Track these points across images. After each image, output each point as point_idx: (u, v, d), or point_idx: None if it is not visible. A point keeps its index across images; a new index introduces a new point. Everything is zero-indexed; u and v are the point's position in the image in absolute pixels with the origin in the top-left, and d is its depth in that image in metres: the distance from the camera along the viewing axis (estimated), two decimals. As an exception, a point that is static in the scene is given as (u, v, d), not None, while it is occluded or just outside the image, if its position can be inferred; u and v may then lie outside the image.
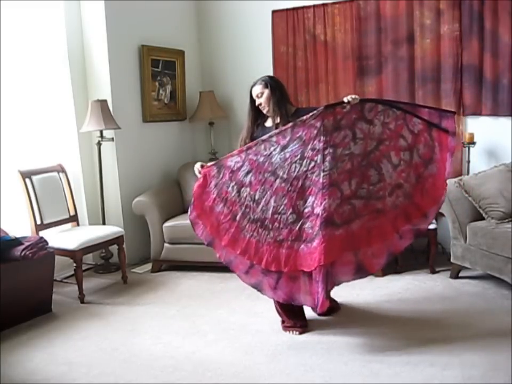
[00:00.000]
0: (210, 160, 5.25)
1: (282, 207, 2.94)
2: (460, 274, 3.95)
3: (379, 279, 4.01)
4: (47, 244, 3.60)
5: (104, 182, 4.51)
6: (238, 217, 3.02)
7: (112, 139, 4.46)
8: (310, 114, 2.87)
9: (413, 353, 2.82)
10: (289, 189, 2.92)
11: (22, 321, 3.44)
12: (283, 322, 3.26)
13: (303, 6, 4.85)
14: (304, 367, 2.75)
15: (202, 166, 3.13)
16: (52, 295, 3.70)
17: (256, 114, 3.21)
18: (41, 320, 3.51)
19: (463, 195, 3.80)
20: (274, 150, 2.94)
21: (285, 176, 2.93)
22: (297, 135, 2.89)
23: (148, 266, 4.60)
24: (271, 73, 5.00)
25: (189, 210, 3.12)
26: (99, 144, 4.41)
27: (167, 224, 4.44)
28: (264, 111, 3.16)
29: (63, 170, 4.27)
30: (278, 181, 2.94)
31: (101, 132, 4.35)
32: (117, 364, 2.89)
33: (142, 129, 4.84)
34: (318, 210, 2.86)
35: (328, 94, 4.82)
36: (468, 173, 4.28)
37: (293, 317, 3.22)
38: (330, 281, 2.95)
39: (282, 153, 2.92)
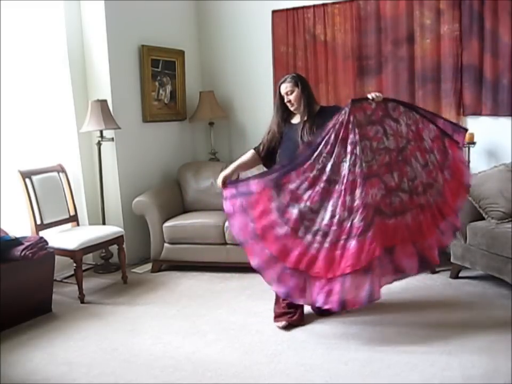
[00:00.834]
0: (211, 160, 5.28)
1: (337, 209, 2.94)
2: (460, 274, 3.95)
3: (379, 279, 4.01)
4: (47, 244, 3.60)
5: (104, 182, 4.51)
6: (301, 234, 2.98)
7: (112, 139, 4.46)
8: (342, 112, 2.93)
9: (413, 353, 2.82)
10: (341, 188, 2.94)
11: (22, 321, 3.44)
12: (275, 313, 3.34)
13: (303, 6, 4.85)
14: (304, 367, 2.75)
15: (225, 182, 3.16)
16: (52, 295, 3.70)
17: (284, 111, 3.24)
18: (41, 320, 3.51)
19: (463, 195, 3.80)
20: (326, 159, 2.96)
21: (337, 178, 2.95)
22: (339, 137, 2.93)
23: (148, 266, 4.60)
24: (271, 73, 5.01)
25: (250, 259, 3.05)
26: (99, 144, 4.41)
27: (167, 224, 4.44)
28: (292, 109, 3.20)
29: (63, 170, 4.27)
30: (332, 185, 2.96)
31: (101, 132, 4.35)
32: (117, 364, 2.89)
33: (142, 129, 4.84)
34: (366, 199, 2.89)
35: (328, 94, 4.82)
36: (468, 173, 4.28)
37: (290, 308, 3.28)
38: (393, 274, 3.08)
39: (331, 159, 2.95)
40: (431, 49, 4.43)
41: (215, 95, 5.21)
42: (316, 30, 4.82)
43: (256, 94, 5.17)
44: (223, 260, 4.36)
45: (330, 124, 2.95)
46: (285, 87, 3.17)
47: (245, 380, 2.66)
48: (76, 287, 3.84)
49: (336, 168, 2.93)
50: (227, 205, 3.11)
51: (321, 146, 2.96)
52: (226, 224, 4.29)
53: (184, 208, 4.82)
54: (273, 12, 4.98)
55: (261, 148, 3.29)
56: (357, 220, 2.88)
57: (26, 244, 3.45)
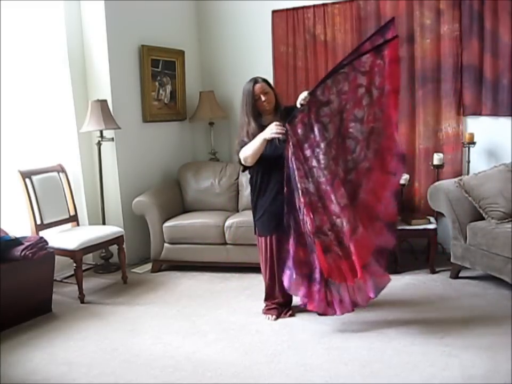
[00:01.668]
0: (211, 160, 5.27)
1: (327, 222, 3.07)
2: (460, 274, 3.95)
3: (379, 279, 4.01)
4: (47, 244, 3.60)
5: (104, 182, 4.51)
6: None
7: (112, 139, 4.45)
8: (289, 140, 3.01)
9: (413, 353, 2.82)
10: (321, 202, 3.06)
11: (22, 321, 3.44)
12: (266, 305, 3.44)
13: (303, 6, 4.85)
14: (304, 367, 2.75)
15: None
16: (52, 295, 3.70)
17: (257, 113, 3.23)
18: (41, 320, 3.51)
19: (463, 195, 3.80)
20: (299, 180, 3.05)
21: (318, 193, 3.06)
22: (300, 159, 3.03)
23: (148, 266, 4.60)
24: (271, 73, 5.01)
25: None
26: (99, 144, 4.41)
27: (167, 224, 4.44)
28: (267, 108, 3.22)
29: (63, 170, 4.27)
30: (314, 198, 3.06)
31: (101, 132, 4.35)
32: (117, 364, 2.89)
33: (142, 129, 4.83)
34: (343, 202, 3.02)
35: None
36: (468, 173, 4.28)
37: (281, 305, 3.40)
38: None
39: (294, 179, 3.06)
40: (431, 49, 4.43)
41: (215, 95, 5.21)
42: (316, 30, 4.82)
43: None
44: (223, 260, 4.36)
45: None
46: (261, 86, 3.19)
47: (245, 380, 2.66)
48: (76, 287, 3.84)
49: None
50: None
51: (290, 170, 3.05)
52: (227, 224, 4.30)
53: (184, 208, 4.82)
54: (273, 11, 4.98)
55: None
56: (344, 225, 3.00)
57: (26, 243, 3.45)
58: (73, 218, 4.29)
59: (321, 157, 3.02)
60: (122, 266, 4.22)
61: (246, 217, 4.27)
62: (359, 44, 3.23)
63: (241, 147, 3.21)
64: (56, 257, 3.70)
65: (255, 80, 3.23)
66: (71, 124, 4.45)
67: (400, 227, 4.17)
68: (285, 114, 3.21)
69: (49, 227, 4.08)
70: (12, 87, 3.98)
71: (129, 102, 4.69)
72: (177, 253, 4.44)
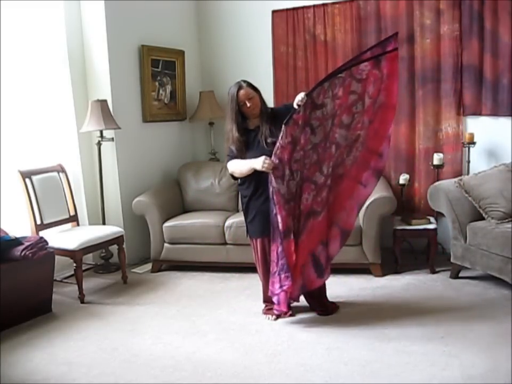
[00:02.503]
0: (211, 160, 5.27)
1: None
2: (460, 274, 3.94)
3: (379, 279, 4.01)
4: (47, 244, 3.60)
5: (104, 182, 4.51)
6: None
7: (112, 139, 4.45)
8: (279, 140, 3.00)
9: (413, 353, 2.82)
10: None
11: (22, 321, 3.44)
12: (266, 306, 3.44)
13: (303, 6, 4.85)
14: (304, 367, 2.75)
15: None
16: (52, 295, 3.70)
17: (241, 119, 3.24)
18: (41, 320, 3.51)
19: (463, 195, 3.80)
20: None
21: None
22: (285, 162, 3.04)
23: (148, 266, 4.60)
24: (271, 73, 5.01)
25: None
26: (99, 144, 4.41)
27: (167, 224, 4.44)
28: (253, 113, 3.23)
29: (63, 170, 4.27)
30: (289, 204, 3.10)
31: (101, 132, 4.35)
32: (117, 364, 2.89)
33: (142, 129, 4.83)
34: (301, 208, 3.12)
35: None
36: (468, 173, 4.28)
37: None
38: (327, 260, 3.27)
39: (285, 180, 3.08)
40: (431, 49, 4.43)
41: (215, 95, 5.21)
42: (316, 30, 4.82)
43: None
44: (223, 260, 4.36)
45: (275, 154, 3.01)
46: (245, 92, 3.18)
47: (245, 380, 2.66)
48: (76, 287, 3.84)
49: (288, 188, 3.07)
50: None
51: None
52: (227, 224, 4.30)
53: (184, 208, 4.82)
54: (273, 11, 4.98)
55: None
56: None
57: (26, 243, 3.45)
58: (73, 218, 4.29)
59: (306, 160, 3.07)
60: (122, 266, 4.22)
61: (246, 217, 4.28)
62: (360, 53, 3.28)
63: (229, 156, 3.25)
64: (56, 257, 3.70)
65: (239, 86, 3.20)
66: (71, 124, 4.45)
67: (400, 227, 4.19)
68: (272, 116, 3.22)
69: (49, 227, 4.08)
70: (12, 87, 3.98)
71: (129, 102, 4.69)
72: (177, 253, 4.44)
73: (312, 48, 4.86)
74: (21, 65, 4.04)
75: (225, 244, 4.32)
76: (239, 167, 3.21)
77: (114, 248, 4.27)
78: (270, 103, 4.28)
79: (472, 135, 4.28)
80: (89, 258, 4.49)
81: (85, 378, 2.76)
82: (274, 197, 3.02)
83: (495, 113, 4.29)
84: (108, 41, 4.41)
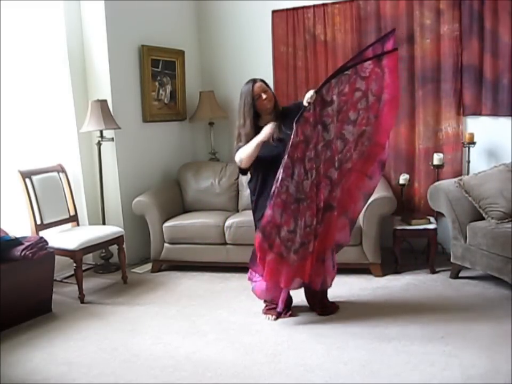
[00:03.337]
0: (211, 160, 5.27)
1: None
2: (460, 274, 3.94)
3: (379, 279, 4.01)
4: (47, 244, 3.60)
5: (104, 182, 4.51)
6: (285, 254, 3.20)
7: (112, 139, 4.45)
8: (291, 139, 3.00)
9: (413, 353, 2.82)
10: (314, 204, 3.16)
11: (22, 321, 3.44)
12: (266, 305, 3.45)
13: (303, 6, 4.85)
14: (304, 367, 2.75)
15: None
16: (52, 295, 3.70)
17: (255, 114, 3.22)
18: (41, 320, 3.51)
19: (463, 195, 3.80)
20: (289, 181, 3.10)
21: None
22: (295, 157, 3.05)
23: (148, 266, 4.60)
24: (271, 73, 5.01)
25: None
26: (99, 144, 4.41)
27: (167, 224, 4.44)
28: (268, 106, 3.22)
29: (63, 170, 4.27)
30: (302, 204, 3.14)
31: (101, 132, 4.35)
32: (117, 364, 2.89)
33: (142, 129, 4.83)
34: (321, 204, 3.13)
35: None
36: (468, 173, 4.28)
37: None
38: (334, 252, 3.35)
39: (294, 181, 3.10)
40: (431, 49, 4.43)
41: (215, 95, 5.21)
42: (316, 30, 4.82)
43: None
44: (223, 259, 4.36)
45: (287, 153, 3.02)
46: (260, 85, 3.19)
47: (245, 380, 2.66)
48: (76, 287, 3.84)
49: (301, 187, 3.09)
50: None
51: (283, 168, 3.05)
52: (227, 224, 4.30)
53: (184, 208, 4.82)
54: (273, 11, 4.97)
55: None
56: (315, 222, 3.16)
57: (26, 243, 3.44)
58: (73, 218, 4.29)
59: (316, 158, 3.08)
60: (122, 266, 4.22)
61: (246, 217, 4.27)
62: (361, 50, 3.29)
63: (237, 150, 3.22)
64: (56, 257, 3.70)
65: (253, 80, 3.22)
66: (71, 124, 4.45)
67: (400, 227, 4.19)
68: (284, 114, 3.21)
69: (49, 227, 4.08)
70: (12, 87, 3.97)
71: (129, 102, 4.69)
72: (177, 253, 4.44)
73: (312, 48, 4.86)
74: (21, 65, 4.04)
75: (225, 244, 4.32)
76: (246, 149, 3.15)
77: (114, 248, 4.27)
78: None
79: (472, 135, 4.28)
80: (89, 258, 4.49)
81: (85, 378, 2.76)
82: (273, 198, 3.03)
83: (495, 113, 4.29)
84: (108, 41, 4.41)
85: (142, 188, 4.70)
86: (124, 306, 3.74)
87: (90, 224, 4.54)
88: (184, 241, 4.39)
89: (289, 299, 3.46)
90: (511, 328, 3.01)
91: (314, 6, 4.80)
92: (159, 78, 4.94)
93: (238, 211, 4.69)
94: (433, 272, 4.10)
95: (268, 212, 3.04)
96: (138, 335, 3.25)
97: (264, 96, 3.17)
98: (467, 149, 4.35)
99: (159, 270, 4.52)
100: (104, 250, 4.48)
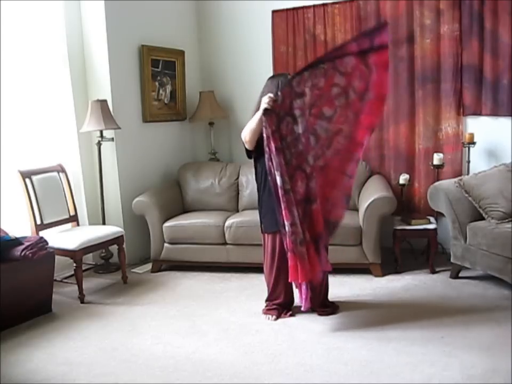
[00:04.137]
0: (211, 160, 5.28)
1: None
2: (460, 274, 3.94)
3: (379, 279, 4.01)
4: (47, 243, 3.60)
5: (104, 182, 4.51)
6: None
7: (112, 139, 4.45)
8: (264, 131, 3.02)
9: (413, 353, 2.82)
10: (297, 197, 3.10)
11: (22, 321, 3.44)
12: (266, 305, 3.44)
13: (303, 6, 4.85)
14: (304, 367, 2.75)
15: None
16: (52, 295, 3.70)
17: None
18: (41, 320, 3.51)
19: (463, 195, 3.80)
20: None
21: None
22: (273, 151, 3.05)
23: (148, 266, 4.60)
24: (271, 73, 4.98)
25: None
26: (99, 144, 4.41)
27: (167, 224, 4.44)
28: None
29: (63, 170, 4.27)
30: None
31: (101, 132, 4.35)
32: (117, 364, 2.89)
33: (142, 129, 4.83)
34: (298, 196, 3.07)
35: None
36: (468, 173, 4.28)
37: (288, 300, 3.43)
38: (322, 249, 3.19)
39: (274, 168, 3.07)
40: (431, 49, 4.43)
41: (215, 95, 5.21)
42: (315, 30, 4.82)
43: (256, 94, 4.99)
44: (223, 259, 4.36)
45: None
46: None
47: (245, 380, 2.66)
48: (76, 287, 3.84)
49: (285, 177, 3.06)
50: None
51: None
52: (227, 224, 4.30)
53: (184, 208, 4.82)
54: (273, 11, 4.98)
55: None
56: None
57: (26, 243, 3.45)
58: (73, 218, 4.29)
59: (286, 151, 3.04)
60: (122, 266, 4.22)
61: (246, 217, 4.28)
62: (344, 43, 3.20)
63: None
64: (56, 257, 3.70)
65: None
66: (71, 124, 4.45)
67: (400, 227, 4.18)
68: None
69: (49, 227, 4.08)
70: (12, 87, 3.98)
71: (129, 102, 4.69)
72: (177, 253, 4.44)
73: (312, 48, 4.86)
74: (21, 65, 4.04)
75: (225, 244, 4.32)
76: (250, 123, 3.18)
77: (114, 248, 4.27)
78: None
79: (472, 135, 4.28)
80: (89, 258, 4.49)
81: (85, 378, 2.76)
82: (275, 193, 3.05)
83: (495, 113, 4.29)
84: (108, 41, 4.41)
85: (142, 187, 4.70)
86: (124, 306, 3.74)
87: (90, 224, 4.54)
88: (184, 241, 4.39)
89: (290, 299, 3.46)
90: (511, 328, 3.01)
91: (314, 6, 4.80)
92: (159, 78, 4.94)
93: (238, 211, 4.69)
94: (433, 272, 4.10)
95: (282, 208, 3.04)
96: (138, 335, 3.25)
97: None
98: (467, 149, 4.35)
99: (159, 270, 4.52)
100: (104, 250, 4.48)
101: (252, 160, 3.38)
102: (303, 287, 3.15)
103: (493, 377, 2.55)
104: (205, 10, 5.36)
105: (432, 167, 4.37)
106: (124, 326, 3.40)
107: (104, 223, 4.51)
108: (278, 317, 3.37)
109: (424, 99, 4.51)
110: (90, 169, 4.61)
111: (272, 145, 3.01)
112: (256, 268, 4.03)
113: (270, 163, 3.05)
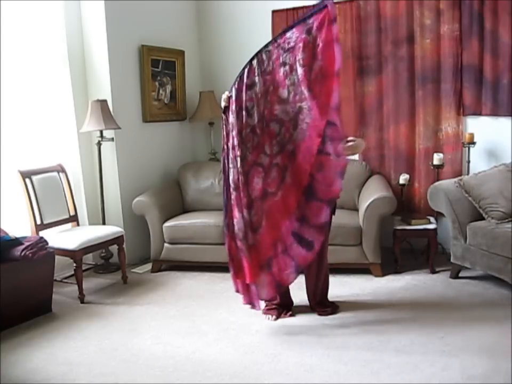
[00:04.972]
0: (211, 160, 5.28)
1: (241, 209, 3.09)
2: (460, 274, 3.95)
3: (379, 279, 4.01)
4: (47, 244, 3.60)
5: (104, 182, 4.51)
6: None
7: (112, 139, 4.45)
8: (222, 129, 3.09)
9: (413, 353, 2.82)
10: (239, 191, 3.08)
11: (22, 321, 3.44)
12: (266, 305, 3.42)
13: (303, 6, 4.84)
14: (304, 367, 2.75)
15: None
16: (52, 295, 3.70)
17: None
18: (41, 320, 3.51)
19: (463, 195, 3.80)
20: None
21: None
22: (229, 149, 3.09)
23: (148, 266, 4.60)
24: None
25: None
26: (99, 144, 4.41)
27: (167, 224, 4.44)
28: None
29: (63, 170, 4.27)
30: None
31: (101, 132, 4.35)
32: (117, 364, 2.89)
33: (142, 129, 4.83)
34: (254, 194, 3.03)
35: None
36: (468, 173, 4.29)
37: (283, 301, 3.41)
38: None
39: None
40: (431, 49, 4.43)
41: (215, 95, 5.21)
42: (315, 30, 4.81)
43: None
44: (223, 260, 4.30)
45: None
46: None
47: (245, 380, 2.66)
48: (76, 287, 3.84)
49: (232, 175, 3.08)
50: None
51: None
52: (226, 224, 4.30)
53: (184, 208, 4.82)
54: (273, 11, 4.97)
55: None
56: (253, 214, 3.04)
57: (26, 243, 3.44)
58: (73, 218, 4.29)
59: (243, 146, 3.02)
60: (122, 266, 4.22)
61: (246, 217, 4.27)
62: (291, 24, 3.09)
63: None
64: (56, 257, 3.70)
65: None
66: (71, 124, 4.45)
67: (400, 227, 4.19)
68: None
69: (49, 227, 4.08)
70: (12, 87, 3.98)
71: (129, 102, 4.69)
72: (177, 253, 4.44)
73: (312, 48, 4.85)
74: (21, 65, 4.04)
75: (225, 244, 4.31)
76: None
77: (114, 248, 4.27)
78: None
79: (472, 135, 4.28)
80: (89, 258, 4.49)
81: (85, 378, 2.76)
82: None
83: (495, 113, 4.29)
84: (108, 41, 4.41)
85: (142, 187, 4.70)
86: (124, 306, 3.74)
87: (90, 224, 4.54)
88: (184, 241, 4.39)
89: (289, 299, 3.46)
90: (511, 328, 3.01)
91: (314, 6, 4.78)
92: (159, 78, 4.94)
93: (238, 211, 4.68)
94: (433, 272, 4.10)
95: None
96: (138, 335, 3.25)
97: None
98: (467, 149, 4.35)
99: (159, 270, 4.52)
100: (104, 250, 4.48)
101: None
102: (252, 287, 3.09)
103: (493, 377, 2.55)
104: (205, 10, 5.36)
105: (432, 167, 4.37)
106: (124, 326, 3.40)
107: (104, 223, 4.51)
108: (278, 317, 3.37)
109: (424, 99, 4.51)
110: (90, 169, 4.61)
111: (230, 142, 3.03)
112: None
113: (226, 160, 3.07)
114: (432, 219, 4.29)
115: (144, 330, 3.32)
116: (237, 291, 3.19)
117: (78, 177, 4.52)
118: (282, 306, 3.42)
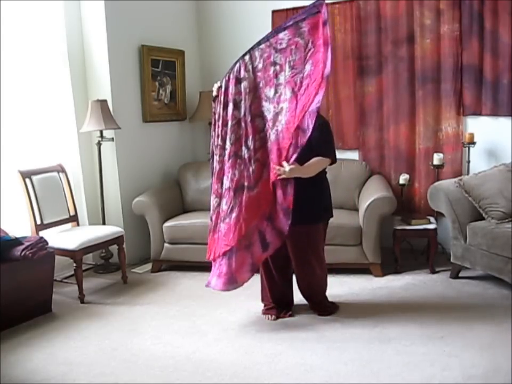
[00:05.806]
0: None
1: (215, 197, 3.23)
2: (460, 274, 3.95)
3: (379, 279, 4.01)
4: (47, 244, 3.60)
5: (104, 182, 4.51)
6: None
7: (112, 139, 4.45)
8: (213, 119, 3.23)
9: (413, 353, 2.82)
10: (214, 179, 3.23)
11: (22, 321, 3.44)
12: (265, 305, 3.45)
13: (303, 6, 4.80)
14: (304, 367, 2.75)
15: None
16: (52, 295, 3.70)
17: None
18: (41, 320, 3.51)
19: (463, 195, 3.80)
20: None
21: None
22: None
23: (148, 266, 4.60)
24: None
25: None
26: (99, 144, 4.41)
27: (167, 224, 4.44)
28: None
29: (63, 170, 4.27)
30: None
31: (101, 132, 4.35)
32: (117, 364, 2.89)
33: (142, 129, 4.83)
34: (227, 184, 3.12)
35: (328, 94, 4.81)
36: (468, 173, 4.29)
37: (276, 301, 3.41)
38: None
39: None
40: (431, 49, 4.43)
41: (215, 95, 5.21)
42: (315, 30, 4.81)
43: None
44: (223, 260, 4.35)
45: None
46: None
47: (245, 380, 2.66)
48: (76, 287, 3.84)
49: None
50: None
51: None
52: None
53: (184, 208, 4.82)
54: (273, 11, 4.97)
55: None
56: (223, 204, 3.14)
57: (26, 243, 3.44)
58: (73, 218, 4.29)
59: (227, 136, 3.11)
60: (122, 266, 4.22)
61: (246, 217, 4.27)
62: (284, 25, 3.07)
63: None
64: (56, 257, 3.70)
65: None
66: (71, 124, 4.45)
67: (400, 227, 4.19)
68: None
69: (49, 227, 4.08)
70: (12, 87, 3.97)
71: (129, 102, 4.69)
72: (177, 253, 4.44)
73: (312, 48, 4.85)
74: (21, 65, 4.03)
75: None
76: None
77: (114, 248, 4.27)
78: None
79: (472, 135, 4.28)
80: (89, 258, 4.49)
81: (85, 378, 2.76)
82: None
83: (495, 113, 4.29)
84: (108, 41, 4.41)
85: (142, 187, 4.70)
86: (124, 306, 3.74)
87: (90, 224, 4.54)
88: (184, 241, 4.39)
89: (290, 299, 3.46)
90: (511, 328, 3.01)
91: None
92: (159, 78, 4.94)
93: (238, 211, 4.68)
94: (433, 272, 4.10)
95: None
96: (138, 335, 3.25)
97: None
98: (467, 149, 4.35)
99: (159, 270, 4.52)
100: (104, 250, 4.48)
101: None
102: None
103: (493, 377, 2.55)
104: (205, 10, 5.36)
105: (432, 167, 4.37)
106: (124, 326, 3.40)
107: (104, 223, 4.51)
108: (277, 317, 3.37)
109: (424, 99, 4.51)
110: (90, 169, 4.61)
111: (216, 130, 3.16)
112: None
113: (213, 147, 3.21)
114: (432, 219, 4.29)
115: (144, 330, 3.31)
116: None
117: (78, 177, 4.52)
118: (282, 306, 3.42)
